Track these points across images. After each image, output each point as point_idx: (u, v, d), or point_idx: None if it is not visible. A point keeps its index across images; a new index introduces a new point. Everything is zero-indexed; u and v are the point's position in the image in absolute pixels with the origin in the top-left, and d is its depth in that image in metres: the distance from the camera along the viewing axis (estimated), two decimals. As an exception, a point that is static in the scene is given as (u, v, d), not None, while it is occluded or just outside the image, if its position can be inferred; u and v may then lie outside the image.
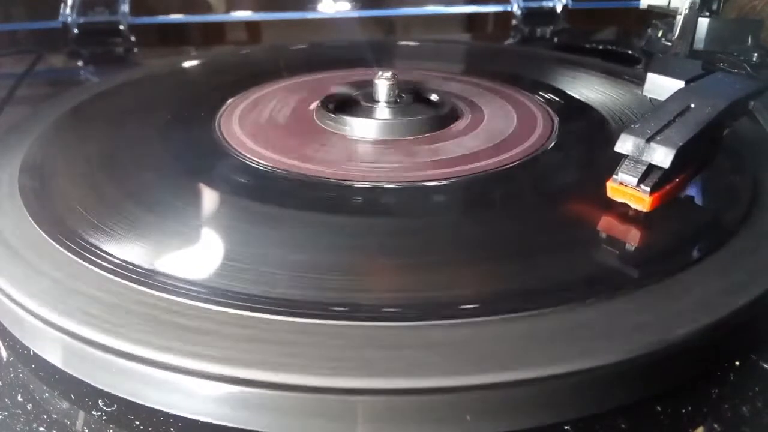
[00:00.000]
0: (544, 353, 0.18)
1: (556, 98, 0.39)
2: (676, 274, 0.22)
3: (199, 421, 0.19)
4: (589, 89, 0.41)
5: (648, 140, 0.25)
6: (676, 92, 0.28)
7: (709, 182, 0.28)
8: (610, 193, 0.26)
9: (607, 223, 0.25)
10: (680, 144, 0.24)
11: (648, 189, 0.24)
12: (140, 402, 0.19)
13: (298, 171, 0.29)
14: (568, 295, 0.21)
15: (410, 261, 0.23)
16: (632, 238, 0.25)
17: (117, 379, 0.19)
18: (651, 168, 0.25)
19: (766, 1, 0.57)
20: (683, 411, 0.19)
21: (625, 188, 0.25)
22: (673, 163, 0.24)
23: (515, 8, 0.71)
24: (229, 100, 0.38)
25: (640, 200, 0.25)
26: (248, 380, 0.18)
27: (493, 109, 0.37)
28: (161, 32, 0.67)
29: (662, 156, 0.24)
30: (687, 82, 0.29)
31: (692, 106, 0.26)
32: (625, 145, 0.25)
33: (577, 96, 0.40)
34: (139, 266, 0.22)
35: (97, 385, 0.20)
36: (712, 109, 0.26)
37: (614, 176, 0.25)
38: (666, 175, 0.25)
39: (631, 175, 0.25)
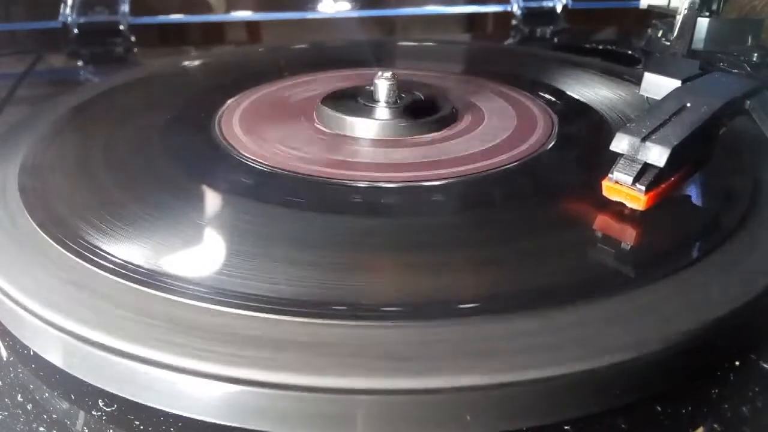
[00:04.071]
0: (543, 353, 0.18)
1: (556, 98, 0.39)
2: (673, 273, 0.22)
3: (199, 421, 0.19)
4: (589, 89, 0.41)
5: (643, 139, 0.25)
6: (672, 91, 0.28)
7: (706, 181, 0.28)
8: (605, 192, 0.26)
9: (602, 223, 0.25)
10: (675, 143, 0.24)
11: (643, 188, 0.24)
12: (140, 402, 0.19)
13: (298, 171, 0.29)
14: (564, 296, 0.21)
15: (409, 261, 0.23)
16: (628, 237, 0.25)
17: (117, 379, 0.19)
18: (646, 167, 0.25)
19: (766, 1, 0.57)
20: (683, 411, 0.19)
21: (621, 187, 0.25)
22: (668, 161, 0.24)
23: (515, 8, 0.71)
24: (229, 100, 0.38)
25: (636, 199, 0.25)
26: (248, 380, 0.18)
27: (492, 110, 0.37)
28: (161, 32, 0.67)
29: (657, 155, 0.24)
30: (683, 82, 0.29)
31: (688, 105, 0.27)
32: (620, 144, 0.25)
33: (576, 96, 0.40)
34: (139, 266, 0.22)
35: (97, 385, 0.20)
36: (707, 109, 0.26)
37: (610, 175, 0.25)
38: (661, 173, 0.25)
39: (626, 174, 0.25)
